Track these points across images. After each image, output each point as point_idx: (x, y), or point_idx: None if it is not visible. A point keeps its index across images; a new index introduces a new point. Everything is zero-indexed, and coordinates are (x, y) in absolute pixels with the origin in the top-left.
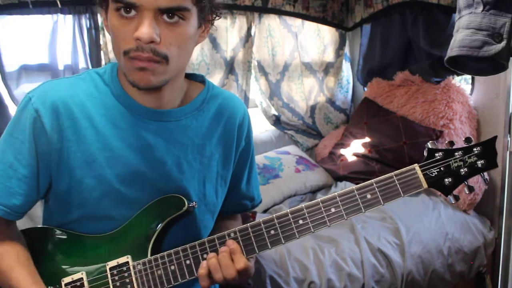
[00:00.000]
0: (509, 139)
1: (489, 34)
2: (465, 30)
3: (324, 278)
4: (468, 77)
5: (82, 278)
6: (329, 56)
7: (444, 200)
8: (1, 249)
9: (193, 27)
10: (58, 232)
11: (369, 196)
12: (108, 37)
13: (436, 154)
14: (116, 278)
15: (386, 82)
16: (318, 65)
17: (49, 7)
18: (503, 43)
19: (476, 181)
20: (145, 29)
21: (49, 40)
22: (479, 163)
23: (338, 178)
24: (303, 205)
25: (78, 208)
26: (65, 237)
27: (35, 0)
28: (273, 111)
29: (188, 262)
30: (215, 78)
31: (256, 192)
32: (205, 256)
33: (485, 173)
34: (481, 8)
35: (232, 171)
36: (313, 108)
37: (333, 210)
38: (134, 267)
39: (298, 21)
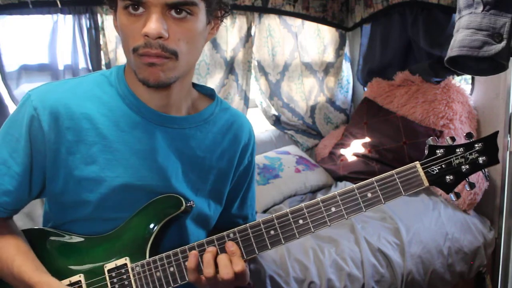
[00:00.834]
0: (509, 139)
1: (489, 34)
2: (465, 30)
3: (324, 278)
4: (468, 77)
5: (80, 281)
6: (329, 56)
7: (444, 200)
8: (1, 242)
9: (201, 22)
10: (55, 233)
11: (369, 195)
12: (108, 37)
13: (437, 151)
14: (115, 280)
15: (386, 82)
16: (318, 65)
17: (49, 7)
18: (503, 43)
19: (477, 180)
20: (153, 25)
21: (49, 40)
22: (481, 159)
23: (338, 178)
24: (303, 205)
25: (75, 209)
26: (62, 238)
27: (35, 0)
28: (273, 111)
29: (187, 263)
30: (215, 78)
31: (250, 211)
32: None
33: (486, 169)
34: (481, 8)
35: (229, 188)
36: (313, 108)
37: (333, 209)
38: (132, 269)
39: (298, 21)
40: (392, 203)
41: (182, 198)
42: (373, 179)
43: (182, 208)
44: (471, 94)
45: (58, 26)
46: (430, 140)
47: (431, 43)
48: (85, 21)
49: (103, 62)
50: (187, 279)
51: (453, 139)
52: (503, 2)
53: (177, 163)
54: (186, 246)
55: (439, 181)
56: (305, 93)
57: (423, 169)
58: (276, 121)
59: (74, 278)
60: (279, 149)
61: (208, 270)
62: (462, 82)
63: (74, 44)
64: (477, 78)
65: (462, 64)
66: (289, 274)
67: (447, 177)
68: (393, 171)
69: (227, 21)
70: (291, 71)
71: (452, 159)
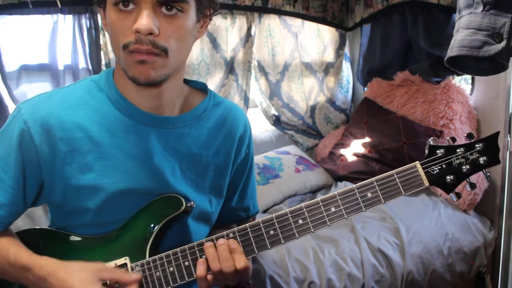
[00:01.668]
0: (509, 139)
1: (489, 34)
2: (465, 30)
3: (324, 278)
4: (468, 77)
5: None
6: (329, 56)
7: (444, 200)
8: None
9: (191, 20)
10: (55, 233)
11: (369, 195)
12: (108, 37)
13: (438, 151)
14: None
15: (386, 82)
16: (318, 65)
17: (49, 7)
18: (503, 43)
19: (477, 180)
20: (144, 21)
21: (49, 40)
22: (481, 159)
23: (338, 178)
24: (302, 205)
25: (75, 216)
26: (62, 238)
27: (35, 0)
28: (273, 111)
29: (186, 263)
30: (215, 78)
31: (251, 203)
32: (203, 257)
33: (487, 170)
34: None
35: (228, 181)
36: (313, 108)
37: (333, 209)
38: (132, 269)
39: (298, 21)
40: (392, 203)
41: (182, 199)
42: (373, 179)
43: (182, 208)
44: (471, 94)
45: (58, 26)
46: (431, 140)
47: (431, 43)
48: (85, 21)
49: (103, 62)
50: (186, 279)
51: (453, 139)
52: (503, 2)
53: (174, 163)
54: (186, 246)
55: (440, 181)
56: (305, 93)
57: (423, 169)
58: (276, 121)
59: None
60: (279, 149)
61: (215, 265)
62: (462, 82)
63: (74, 44)
64: (477, 78)
65: (462, 64)
66: (289, 274)
67: (448, 177)
68: (393, 171)
69: (227, 21)
70: (291, 71)
71: (452, 159)
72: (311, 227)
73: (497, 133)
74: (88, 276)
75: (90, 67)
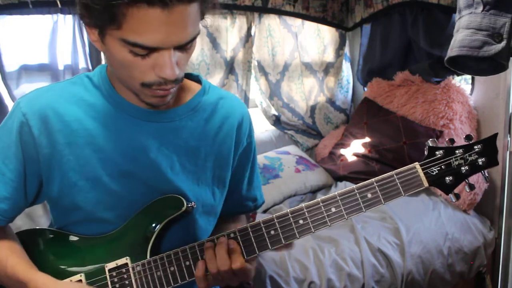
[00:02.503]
0: (509, 139)
1: (489, 34)
2: (465, 30)
3: (324, 278)
4: (468, 77)
5: (81, 280)
6: (329, 56)
7: (444, 200)
8: None
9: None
10: (56, 233)
11: (369, 195)
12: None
13: (437, 152)
14: (116, 280)
15: (386, 82)
16: (318, 65)
17: (49, 7)
18: (503, 43)
19: (476, 180)
20: (170, 71)
21: (49, 40)
22: (480, 161)
23: (338, 178)
24: (303, 205)
25: (74, 211)
26: (63, 238)
27: (35, 0)
28: (273, 111)
29: (187, 263)
30: (215, 78)
31: (258, 193)
32: (204, 257)
33: (486, 171)
34: (481, 8)
35: (232, 172)
36: (313, 108)
37: (333, 209)
38: (133, 269)
39: (298, 21)
40: (392, 203)
41: (183, 199)
42: (373, 179)
43: (183, 209)
44: (471, 94)
45: (58, 26)
46: (430, 142)
47: (431, 43)
48: None
49: (103, 62)
50: (187, 279)
51: (452, 140)
52: (503, 2)
53: (172, 156)
54: (187, 246)
55: (439, 182)
56: (305, 93)
57: (422, 169)
58: (276, 121)
59: (75, 278)
60: (279, 149)
61: (212, 265)
62: (462, 82)
63: (74, 44)
64: (477, 78)
65: (462, 64)
66: (289, 274)
67: (447, 178)
68: (393, 172)
69: (227, 21)
70: (291, 71)
71: (451, 160)
72: (311, 227)
73: (496, 135)
74: None
75: (90, 67)
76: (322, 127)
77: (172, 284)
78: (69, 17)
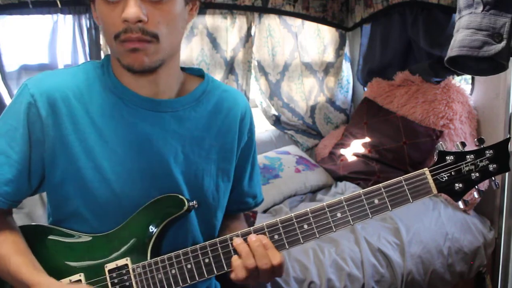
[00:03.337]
0: None
1: (489, 34)
2: (465, 30)
3: (324, 278)
4: (468, 77)
5: (80, 280)
6: (329, 56)
7: (444, 200)
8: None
9: (179, 4)
10: (56, 230)
11: (376, 201)
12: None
13: (447, 158)
14: (116, 281)
15: (386, 82)
16: (318, 65)
17: (49, 7)
18: (503, 43)
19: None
20: (131, 9)
21: (49, 40)
22: (491, 167)
23: (338, 178)
24: (308, 210)
25: (74, 200)
26: (62, 236)
27: (35, 0)
28: (273, 111)
29: (189, 266)
30: (215, 78)
31: (258, 190)
32: (206, 260)
33: (495, 179)
34: (481, 8)
35: (234, 166)
36: (313, 108)
37: (339, 215)
38: (134, 270)
39: (298, 21)
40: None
41: (184, 198)
42: (381, 185)
43: (185, 208)
44: (471, 94)
45: (58, 26)
46: (440, 146)
47: (431, 43)
48: (85, 21)
49: None
50: (189, 282)
51: (463, 144)
52: (503, 2)
53: (175, 146)
54: (188, 249)
55: (448, 188)
56: (305, 93)
57: (432, 176)
58: (276, 121)
59: (74, 277)
60: (279, 149)
61: (251, 261)
62: (462, 82)
63: (74, 44)
64: (477, 78)
65: (462, 64)
66: (289, 274)
67: (456, 184)
68: (401, 177)
69: (227, 21)
70: (291, 71)
71: (462, 166)
72: (316, 232)
73: (508, 139)
74: None
75: None
76: (322, 127)
77: (173, 287)
78: (69, 17)
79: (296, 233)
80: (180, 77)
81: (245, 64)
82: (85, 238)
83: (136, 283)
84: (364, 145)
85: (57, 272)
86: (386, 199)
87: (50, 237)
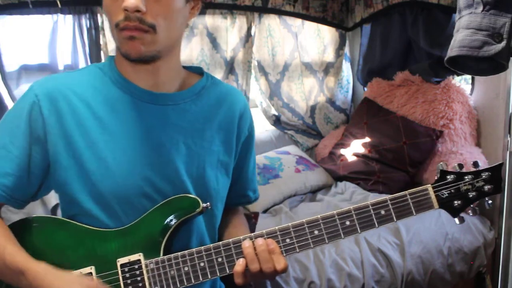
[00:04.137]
0: (509, 139)
1: (489, 34)
2: (465, 30)
3: (324, 278)
4: (468, 77)
5: (91, 272)
6: (329, 56)
7: None
8: None
9: (179, 0)
10: (67, 222)
11: (383, 212)
12: (108, 37)
13: (448, 177)
14: (127, 275)
15: (386, 82)
16: (318, 65)
17: (49, 7)
18: (503, 43)
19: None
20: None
21: (49, 40)
22: (486, 187)
23: (338, 178)
24: (319, 216)
25: (80, 197)
26: (74, 228)
27: (35, 0)
28: (273, 111)
29: (202, 264)
30: None
31: (256, 185)
32: (219, 259)
33: (488, 199)
34: (481, 8)
35: (234, 162)
36: (313, 108)
37: (348, 223)
38: (146, 266)
39: (298, 21)
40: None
41: (199, 200)
42: (387, 197)
43: (198, 210)
44: (471, 94)
45: (58, 26)
46: (441, 165)
47: (431, 43)
48: (85, 21)
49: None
50: (201, 279)
51: (461, 166)
52: (503, 2)
53: (178, 138)
54: (202, 247)
55: (448, 205)
56: (305, 93)
57: (434, 192)
58: (276, 121)
59: (85, 270)
60: (279, 149)
61: (255, 266)
62: (462, 82)
63: (74, 44)
64: (477, 78)
65: (462, 64)
66: (289, 274)
67: (455, 201)
68: (406, 192)
69: (227, 21)
70: (291, 71)
71: (460, 185)
72: (325, 238)
73: (501, 164)
74: None
75: None
76: (322, 127)
77: (185, 284)
78: (69, 17)
79: (307, 238)
80: (181, 73)
81: (245, 64)
82: (98, 232)
83: (148, 278)
84: (364, 145)
85: (68, 264)
86: (392, 210)
87: (63, 228)
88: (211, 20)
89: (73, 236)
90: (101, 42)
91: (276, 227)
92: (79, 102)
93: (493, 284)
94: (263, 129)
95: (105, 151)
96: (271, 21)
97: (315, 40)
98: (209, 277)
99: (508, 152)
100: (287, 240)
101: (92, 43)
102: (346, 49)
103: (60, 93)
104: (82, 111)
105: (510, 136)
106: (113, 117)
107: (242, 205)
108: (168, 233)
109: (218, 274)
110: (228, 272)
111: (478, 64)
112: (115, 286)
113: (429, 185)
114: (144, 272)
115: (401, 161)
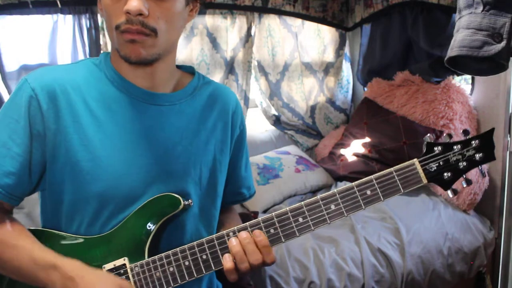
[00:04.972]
0: (509, 139)
1: (489, 34)
2: (465, 30)
3: (324, 278)
4: (468, 77)
5: None
6: (329, 56)
7: (444, 200)
8: (15, 230)
9: (180, 3)
10: (51, 234)
11: (368, 192)
12: (108, 37)
13: (435, 148)
14: None
15: (386, 82)
16: (318, 65)
17: (49, 7)
18: (503, 43)
19: (476, 180)
20: (134, 2)
21: (49, 40)
22: (477, 156)
23: (338, 178)
24: (302, 203)
25: (71, 194)
26: (59, 238)
27: (35, 0)
28: (273, 111)
29: (187, 263)
30: (215, 78)
31: (251, 182)
32: (204, 257)
33: (483, 166)
34: (481, 8)
35: (229, 159)
36: (313, 108)
37: (333, 207)
38: (131, 270)
39: (298, 21)
40: (392, 203)
41: (180, 197)
42: (372, 176)
43: (180, 207)
44: (471, 94)
45: (58, 26)
46: (428, 138)
47: (431, 43)
48: (85, 21)
49: None
50: (187, 279)
51: (450, 136)
52: (503, 2)
53: (173, 139)
54: (186, 246)
55: (437, 178)
56: (305, 93)
57: (421, 166)
58: (276, 121)
59: None
60: (279, 149)
61: (244, 265)
62: (462, 82)
63: (74, 44)
64: (477, 78)
65: (462, 64)
66: (289, 274)
67: (445, 174)
68: (392, 169)
69: (227, 21)
70: (291, 71)
71: (449, 156)
72: (311, 225)
73: (492, 130)
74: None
75: None
76: (322, 127)
77: (172, 285)
78: (69, 17)
79: (292, 227)
80: (176, 74)
81: (245, 64)
82: (82, 240)
83: (135, 282)
84: (364, 145)
85: None
86: (378, 190)
87: (48, 240)
88: (211, 20)
89: (57, 246)
90: (101, 42)
91: (260, 218)
92: (77, 97)
93: (493, 284)
94: (263, 129)
95: (100, 150)
96: (271, 21)
97: (315, 40)
98: (195, 275)
99: (508, 152)
100: (271, 231)
101: (92, 43)
102: (346, 49)
103: (57, 86)
104: (79, 107)
105: (510, 136)
106: (109, 116)
107: (237, 203)
108: (152, 234)
109: (204, 272)
110: (214, 268)
111: (478, 64)
112: None
113: (415, 159)
114: (130, 276)
115: (401, 161)
